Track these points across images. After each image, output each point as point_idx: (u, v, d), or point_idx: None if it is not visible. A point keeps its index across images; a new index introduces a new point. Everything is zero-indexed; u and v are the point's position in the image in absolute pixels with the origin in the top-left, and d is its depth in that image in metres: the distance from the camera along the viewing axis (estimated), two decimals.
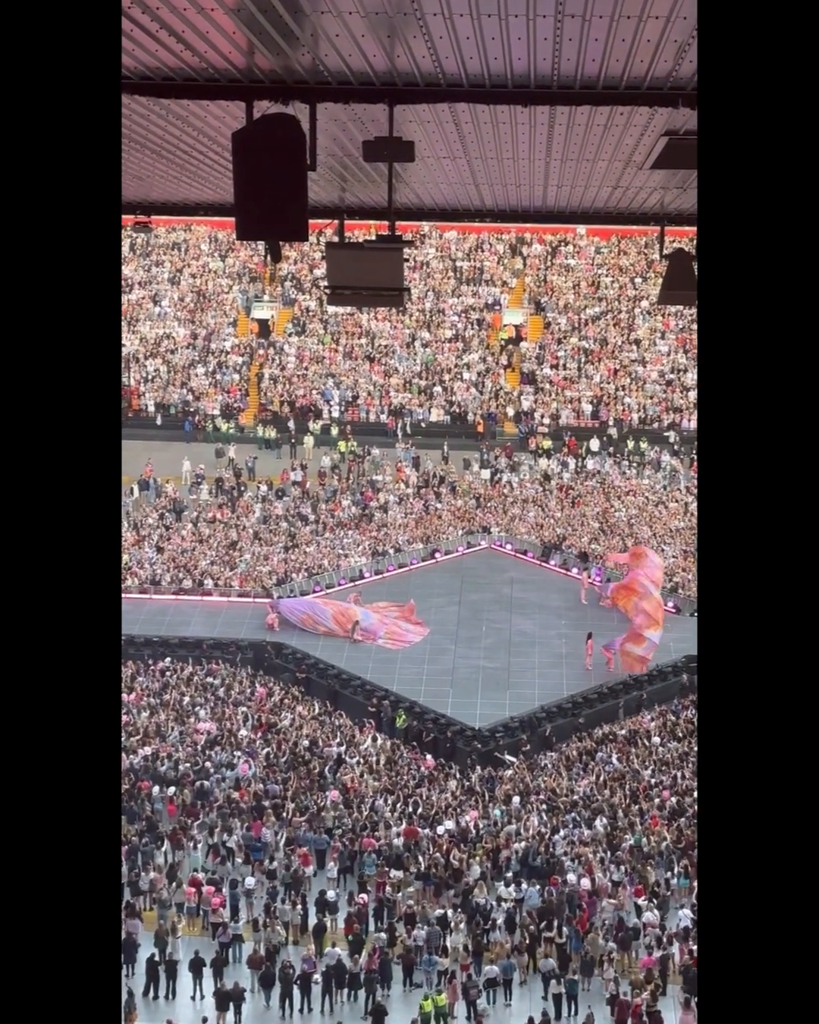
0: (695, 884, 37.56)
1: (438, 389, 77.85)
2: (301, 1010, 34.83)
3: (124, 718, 46.24)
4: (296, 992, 34.77)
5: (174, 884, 38.21)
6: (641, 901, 37.31)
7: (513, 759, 44.97)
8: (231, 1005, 34.28)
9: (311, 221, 12.82)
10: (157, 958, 35.36)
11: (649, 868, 38.43)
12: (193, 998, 35.24)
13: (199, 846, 40.37)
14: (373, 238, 16.86)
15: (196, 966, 35.19)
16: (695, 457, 72.25)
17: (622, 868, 38.45)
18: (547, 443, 74.58)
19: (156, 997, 35.16)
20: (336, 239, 19.06)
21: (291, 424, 76.23)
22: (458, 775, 44.35)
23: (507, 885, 37.77)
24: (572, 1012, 34.42)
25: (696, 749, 45.10)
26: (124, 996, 33.77)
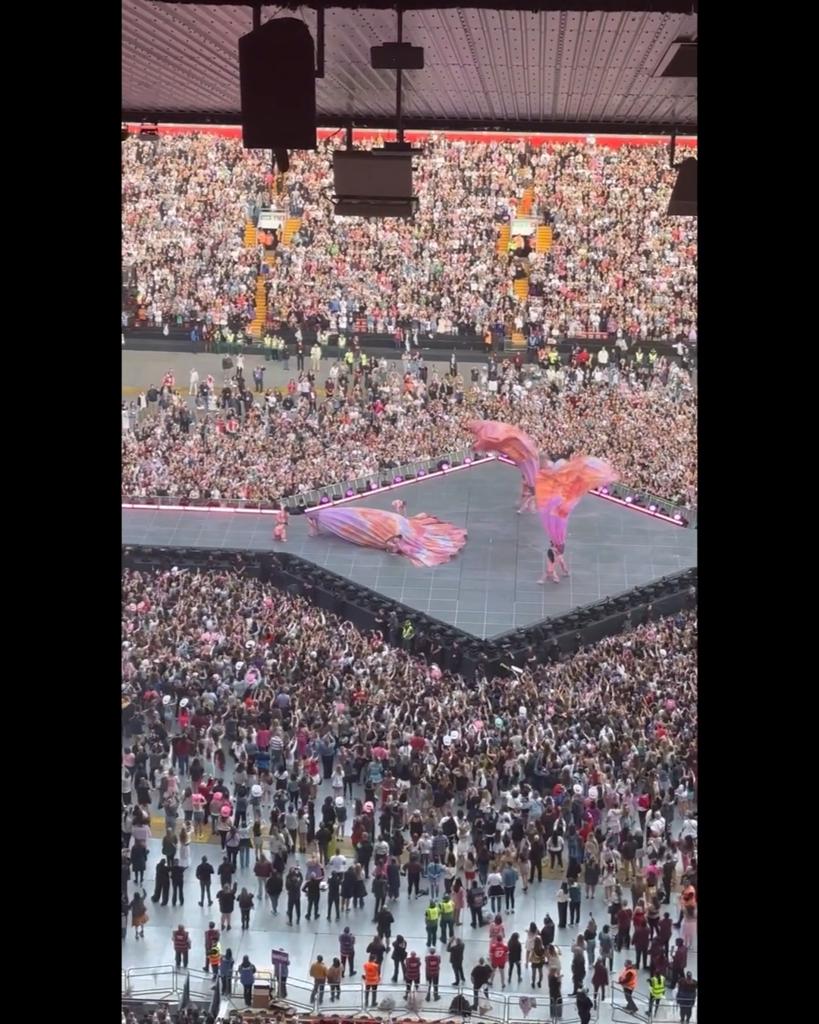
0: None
1: (446, 300, 77.44)
2: (307, 916, 35.30)
3: (132, 628, 46.45)
4: (303, 898, 35.21)
5: (183, 791, 38.58)
6: (645, 811, 37.66)
7: (519, 670, 45.15)
8: (239, 909, 34.76)
9: (319, 129, 12.67)
10: (166, 864, 35.80)
11: (653, 779, 38.73)
12: (201, 904, 35.71)
13: (211, 754, 40.74)
14: (381, 147, 16.67)
15: (204, 872, 35.63)
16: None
17: (627, 779, 38.76)
18: (555, 355, 74.23)
19: (165, 902, 35.64)
20: (344, 148, 18.84)
21: (298, 335, 75.88)
22: (464, 686, 44.60)
23: (512, 795, 38.10)
24: (575, 920, 34.86)
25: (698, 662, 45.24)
26: (131, 899, 34.30)
